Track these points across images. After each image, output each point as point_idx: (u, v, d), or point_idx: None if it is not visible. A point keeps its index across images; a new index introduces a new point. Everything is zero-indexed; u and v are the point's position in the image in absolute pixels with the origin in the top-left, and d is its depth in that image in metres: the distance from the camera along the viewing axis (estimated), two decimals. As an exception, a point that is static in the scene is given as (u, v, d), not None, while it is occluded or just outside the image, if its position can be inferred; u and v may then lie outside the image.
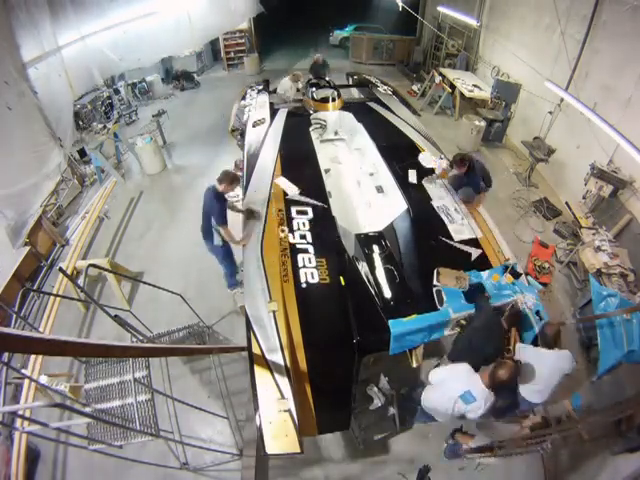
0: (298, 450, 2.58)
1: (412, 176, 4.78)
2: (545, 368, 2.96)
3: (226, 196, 4.25)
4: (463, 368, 2.89)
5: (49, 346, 1.31)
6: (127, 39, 7.78)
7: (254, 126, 5.92)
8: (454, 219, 4.16)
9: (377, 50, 13.49)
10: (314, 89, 6.67)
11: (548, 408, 3.68)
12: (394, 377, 3.96)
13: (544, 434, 2.79)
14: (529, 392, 3.03)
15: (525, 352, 3.08)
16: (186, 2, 8.97)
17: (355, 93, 7.83)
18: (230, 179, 4.07)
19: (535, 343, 3.22)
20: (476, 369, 2.90)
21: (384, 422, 3.79)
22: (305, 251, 3.73)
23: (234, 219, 4.33)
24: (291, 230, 3.94)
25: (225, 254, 4.63)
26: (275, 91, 7.80)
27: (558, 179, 7.14)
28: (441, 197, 4.49)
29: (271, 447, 2.61)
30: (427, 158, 4.91)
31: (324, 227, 4.04)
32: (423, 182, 4.68)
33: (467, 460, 3.61)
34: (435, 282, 3.46)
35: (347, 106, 6.47)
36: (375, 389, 3.80)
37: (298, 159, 5.10)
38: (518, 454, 3.25)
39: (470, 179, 4.42)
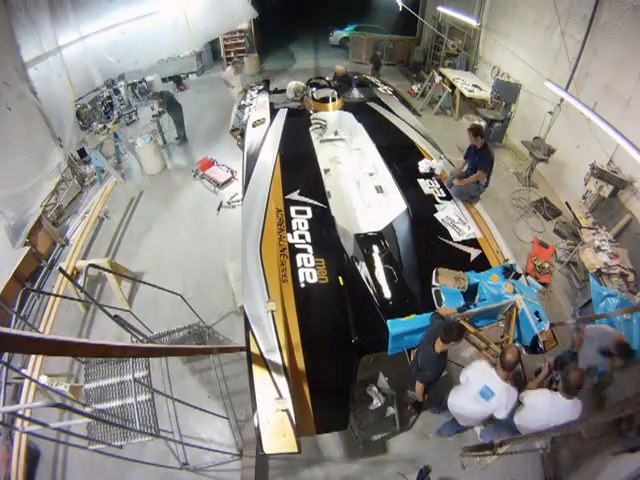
0: (295, 450, 2.58)
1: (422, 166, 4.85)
2: (552, 416, 2.75)
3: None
4: (481, 363, 2.91)
5: (49, 346, 1.31)
6: (125, 40, 7.74)
7: (254, 126, 5.92)
8: (461, 230, 4.07)
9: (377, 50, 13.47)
10: (314, 89, 6.66)
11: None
12: (394, 377, 3.96)
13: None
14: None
15: (539, 397, 2.89)
16: (184, 3, 8.95)
17: (355, 93, 7.83)
18: None
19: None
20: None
21: (384, 422, 3.79)
22: (304, 251, 3.73)
23: None
24: (290, 230, 3.94)
25: None
26: (276, 91, 7.86)
27: (558, 179, 7.13)
28: (443, 208, 4.32)
29: (269, 446, 2.62)
30: (422, 164, 4.89)
31: (323, 227, 4.04)
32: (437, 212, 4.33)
33: (468, 460, 3.62)
34: (434, 282, 3.45)
35: (347, 106, 6.46)
36: (375, 389, 3.79)
37: (298, 159, 5.09)
38: (518, 453, 3.25)
39: (483, 156, 4.33)
